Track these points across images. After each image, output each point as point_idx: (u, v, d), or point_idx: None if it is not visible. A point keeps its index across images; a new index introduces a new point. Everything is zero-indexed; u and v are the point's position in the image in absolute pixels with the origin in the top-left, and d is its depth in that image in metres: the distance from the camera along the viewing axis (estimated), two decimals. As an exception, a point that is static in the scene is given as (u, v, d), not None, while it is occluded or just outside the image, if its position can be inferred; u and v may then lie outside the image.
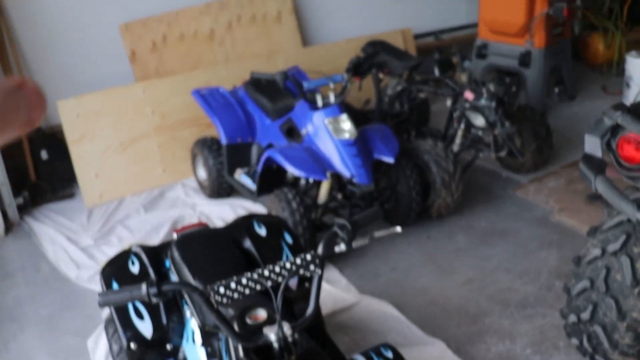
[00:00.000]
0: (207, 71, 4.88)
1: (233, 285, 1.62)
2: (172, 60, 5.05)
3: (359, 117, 3.96)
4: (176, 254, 2.18)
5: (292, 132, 3.72)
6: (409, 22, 6.06)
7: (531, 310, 3.12)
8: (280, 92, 3.92)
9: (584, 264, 2.45)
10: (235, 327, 1.70)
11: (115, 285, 2.24)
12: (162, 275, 2.28)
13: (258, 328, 1.68)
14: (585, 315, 2.43)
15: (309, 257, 1.72)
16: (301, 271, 1.71)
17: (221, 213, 4.15)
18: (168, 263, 2.29)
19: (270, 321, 1.72)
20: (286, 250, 2.34)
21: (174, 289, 1.57)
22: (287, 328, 1.60)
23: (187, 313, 2.15)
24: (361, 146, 3.44)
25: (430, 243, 3.76)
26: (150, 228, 4.05)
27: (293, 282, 2.17)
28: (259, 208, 4.10)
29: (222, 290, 1.60)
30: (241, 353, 1.65)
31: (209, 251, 2.23)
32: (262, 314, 1.76)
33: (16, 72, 4.68)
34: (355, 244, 1.79)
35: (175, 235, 2.33)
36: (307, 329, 1.76)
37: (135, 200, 4.46)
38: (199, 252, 2.20)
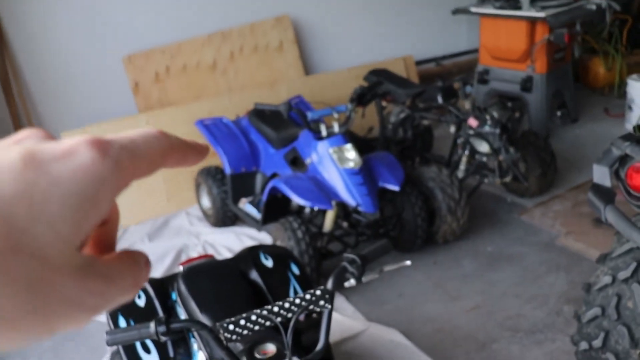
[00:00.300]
0: (210, 101, 4.91)
1: (242, 322, 1.61)
2: (175, 91, 5.08)
3: (362, 145, 3.97)
4: (183, 287, 2.17)
5: (296, 162, 3.73)
6: (410, 49, 6.11)
7: (540, 335, 3.09)
8: (284, 122, 3.94)
9: (594, 292, 2.44)
10: (245, 363, 1.69)
11: (121, 320, 2.23)
12: (169, 309, 2.27)
13: (267, 363, 1.66)
14: (597, 343, 2.41)
15: (318, 292, 1.71)
16: (311, 307, 1.70)
17: (226, 242, 4.14)
18: (174, 295, 2.28)
19: (279, 356, 1.70)
20: (293, 282, 2.33)
21: (183, 327, 1.56)
22: (297, 364, 1.58)
23: (195, 346, 2.13)
24: (366, 175, 3.44)
25: (436, 268, 3.74)
26: (155, 257, 4.03)
27: (301, 314, 2.16)
28: (264, 237, 4.09)
29: (231, 327, 1.59)
30: (251, 388, 1.64)
31: (216, 284, 2.22)
32: (271, 348, 1.74)
33: (20, 104, 4.71)
34: (365, 278, 1.79)
35: (181, 268, 2.32)
36: (316, 359, 1.75)
37: (139, 229, 4.46)
38: (205, 285, 2.19)
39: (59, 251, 0.32)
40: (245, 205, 4.05)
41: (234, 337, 1.60)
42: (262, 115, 4.07)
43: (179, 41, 5.11)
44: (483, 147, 3.95)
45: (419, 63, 6.20)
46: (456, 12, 5.66)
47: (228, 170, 4.04)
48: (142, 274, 0.39)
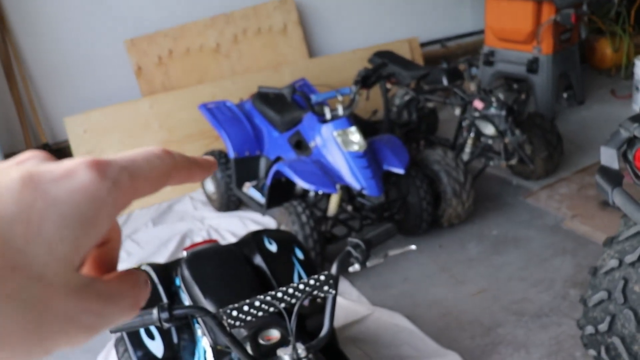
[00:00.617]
0: (213, 85, 4.88)
1: (246, 308, 1.60)
2: (179, 74, 5.05)
3: (367, 128, 3.93)
4: (186, 273, 2.16)
5: (300, 145, 3.70)
6: (415, 31, 6.05)
7: (546, 319, 3.08)
8: (288, 105, 3.90)
9: (600, 275, 2.42)
10: (248, 349, 1.68)
11: (125, 306, 2.22)
12: (172, 294, 2.26)
13: (271, 349, 1.65)
14: (603, 327, 2.40)
15: (322, 277, 1.69)
16: (315, 292, 1.69)
17: (230, 226, 4.14)
18: (178, 281, 2.27)
19: (283, 341, 1.69)
20: (297, 266, 2.31)
21: (186, 313, 1.55)
22: (301, 350, 1.57)
23: (199, 332, 2.13)
24: (371, 158, 3.41)
25: (442, 252, 3.73)
26: (160, 242, 4.03)
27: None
28: (268, 221, 4.08)
29: (234, 313, 1.58)
30: (255, 374, 1.63)
31: (220, 269, 2.21)
32: (275, 334, 1.73)
33: (22, 89, 4.69)
34: (370, 263, 1.77)
35: (184, 253, 2.31)
36: (320, 345, 1.74)
37: (143, 214, 4.45)
38: (209, 270, 2.18)
39: (56, 271, 0.32)
40: (249, 189, 4.04)
41: (238, 323, 1.59)
42: (265, 98, 4.04)
43: (182, 24, 5.07)
44: (488, 129, 3.92)
45: (423, 45, 6.15)
46: (461, -8, 5.60)
47: (232, 155, 4.02)
48: (142, 294, 0.39)
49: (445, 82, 4.08)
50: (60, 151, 4.72)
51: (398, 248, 1.90)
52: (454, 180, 3.69)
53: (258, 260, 2.28)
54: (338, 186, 3.35)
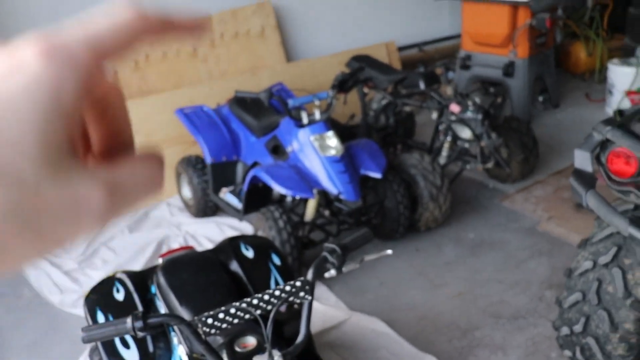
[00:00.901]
0: (190, 89, 4.85)
1: (221, 315, 1.58)
2: (155, 79, 5.01)
3: (344, 132, 3.94)
4: (162, 280, 2.14)
5: (277, 150, 3.69)
6: (392, 35, 6.08)
7: (523, 321, 3.11)
8: (265, 110, 3.89)
9: (575, 277, 2.45)
10: (225, 357, 1.66)
11: (99, 314, 2.19)
12: (148, 302, 2.24)
13: (248, 356, 1.64)
14: (578, 328, 2.43)
15: (298, 283, 1.69)
16: (291, 298, 1.68)
17: (207, 232, 4.11)
18: (154, 289, 2.25)
19: (260, 349, 1.68)
20: (274, 272, 2.31)
21: (160, 321, 1.53)
22: (277, 357, 1.56)
23: (175, 340, 2.11)
24: (348, 162, 3.42)
25: (419, 256, 3.74)
26: (136, 249, 3.99)
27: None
28: (245, 226, 4.06)
29: (209, 321, 1.56)
30: (231, 382, 1.62)
31: (196, 276, 2.19)
32: (251, 341, 1.72)
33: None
34: (346, 268, 1.77)
35: (160, 260, 2.29)
36: (297, 351, 1.73)
37: (119, 220, 4.39)
38: (185, 277, 2.16)
39: (33, 171, 0.32)
40: (226, 195, 4.02)
41: (213, 330, 1.58)
42: (242, 103, 4.02)
43: (158, 28, 5.03)
44: (465, 133, 3.95)
45: (401, 49, 6.17)
46: (438, -3, 5.63)
47: (209, 160, 4.00)
48: (156, 180, 0.38)
49: (422, 86, 4.10)
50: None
51: (374, 253, 1.91)
52: (431, 184, 3.71)
53: (234, 266, 2.27)
54: (315, 191, 3.35)
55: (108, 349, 2.08)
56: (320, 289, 3.43)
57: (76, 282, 3.73)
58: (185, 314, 1.97)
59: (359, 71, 3.99)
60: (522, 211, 4.14)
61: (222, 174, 4.05)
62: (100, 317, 2.17)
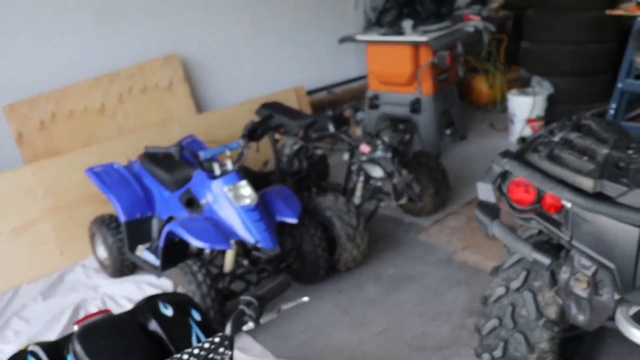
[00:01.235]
0: (100, 147, 4.75)
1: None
2: (63, 138, 4.89)
3: (258, 180, 3.96)
4: (78, 349, 2.06)
5: (192, 203, 3.66)
6: (301, 79, 6.20)
7: (447, 351, 3.17)
8: (177, 163, 3.86)
9: (490, 303, 2.53)
10: None
11: (10, 393, 2.09)
12: (64, 375, 2.15)
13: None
14: (498, 353, 2.50)
15: (217, 339, 1.68)
16: (211, 355, 1.67)
17: (126, 292, 3.99)
18: (70, 359, 2.17)
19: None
20: (195, 328, 2.27)
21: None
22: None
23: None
24: (263, 210, 3.43)
25: (341, 296, 3.76)
26: (51, 317, 3.82)
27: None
28: (164, 283, 3.98)
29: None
30: None
31: (113, 342, 2.13)
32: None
33: None
34: (264, 319, 1.77)
35: (75, 327, 2.21)
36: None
37: (32, 287, 4.21)
38: (102, 344, 2.09)
39: None
40: (142, 252, 3.94)
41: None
42: (154, 158, 3.98)
43: (65, 86, 4.93)
44: (376, 172, 4.04)
45: (310, 92, 6.29)
46: (343, 40, 5.80)
47: (122, 218, 3.92)
48: None
49: (331, 129, 4.19)
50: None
51: (291, 301, 1.91)
52: (347, 224, 3.76)
53: (153, 326, 2.22)
54: (232, 241, 3.33)
55: None
56: (245, 340, 3.39)
57: (-13, 358, 3.53)
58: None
59: (268, 119, 4.04)
60: (438, 243, 4.25)
61: (137, 231, 3.97)
62: (10, 398, 2.07)
